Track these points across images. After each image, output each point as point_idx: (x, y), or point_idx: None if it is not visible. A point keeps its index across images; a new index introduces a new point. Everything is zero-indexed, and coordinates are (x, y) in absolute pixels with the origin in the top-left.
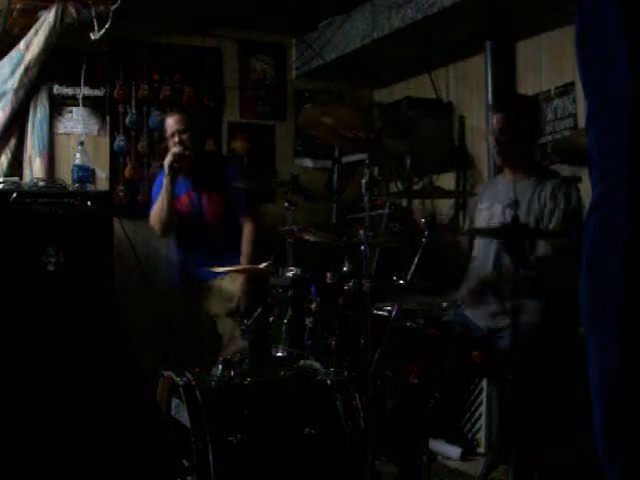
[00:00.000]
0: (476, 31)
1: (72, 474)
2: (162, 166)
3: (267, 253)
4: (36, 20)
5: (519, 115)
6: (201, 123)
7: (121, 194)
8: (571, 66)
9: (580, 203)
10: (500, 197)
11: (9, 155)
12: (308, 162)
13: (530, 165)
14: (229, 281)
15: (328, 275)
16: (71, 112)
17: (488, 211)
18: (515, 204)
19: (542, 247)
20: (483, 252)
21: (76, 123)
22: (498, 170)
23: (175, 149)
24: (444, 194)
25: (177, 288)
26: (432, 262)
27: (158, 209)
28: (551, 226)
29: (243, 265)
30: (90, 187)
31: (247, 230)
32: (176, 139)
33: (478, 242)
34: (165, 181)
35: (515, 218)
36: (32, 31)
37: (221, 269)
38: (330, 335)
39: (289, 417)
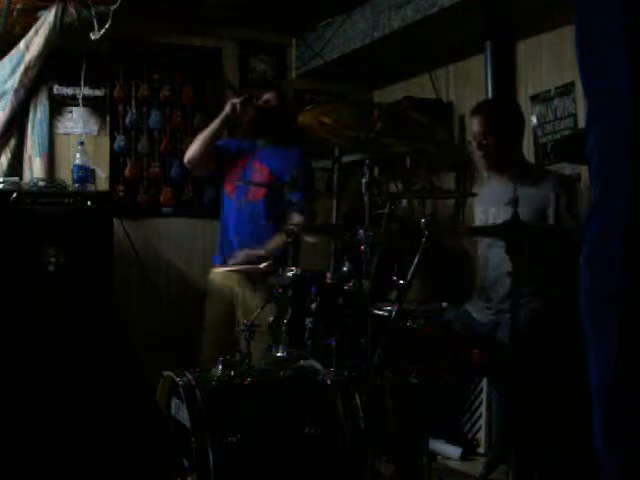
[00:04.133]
0: (476, 31)
1: (73, 474)
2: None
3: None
4: (36, 20)
5: (497, 116)
6: (286, 99)
7: (121, 194)
8: (571, 66)
9: (581, 201)
10: (494, 199)
11: (9, 155)
12: None
13: (516, 166)
14: (224, 278)
15: (328, 275)
16: (71, 112)
17: (484, 215)
18: (515, 202)
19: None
20: (484, 255)
21: (76, 123)
22: None
23: (239, 103)
24: (444, 194)
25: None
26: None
27: (198, 138)
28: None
29: (245, 259)
30: (90, 187)
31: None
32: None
33: (480, 245)
34: (219, 118)
35: (515, 216)
36: (32, 31)
37: (221, 269)
38: (330, 335)
39: (289, 417)
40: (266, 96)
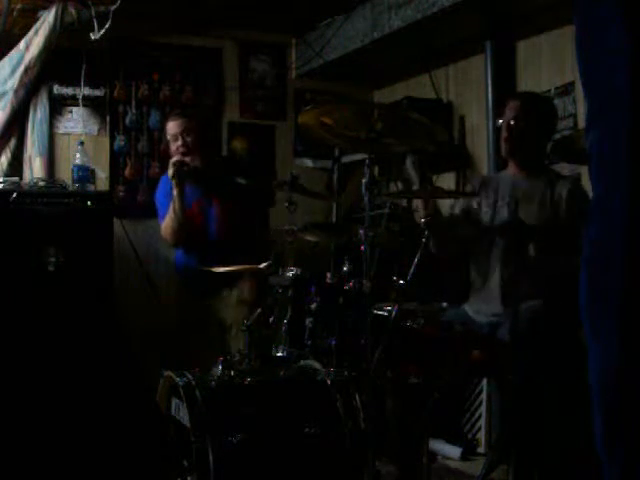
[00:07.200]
0: (476, 31)
1: (72, 474)
2: (164, 168)
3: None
4: (36, 20)
5: (535, 107)
6: (205, 124)
7: (121, 194)
8: (571, 66)
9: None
10: (505, 193)
11: (9, 155)
12: (308, 162)
13: (536, 163)
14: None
15: (328, 275)
16: (71, 112)
17: (490, 208)
18: (515, 202)
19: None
20: (485, 252)
21: (76, 123)
22: (501, 167)
23: (175, 157)
24: (444, 194)
25: (186, 291)
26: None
27: (170, 220)
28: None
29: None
30: (90, 187)
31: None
32: (179, 143)
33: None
34: (174, 192)
35: (515, 216)
36: (32, 31)
37: (220, 269)
38: (330, 335)
39: (289, 417)
40: (169, 129)
